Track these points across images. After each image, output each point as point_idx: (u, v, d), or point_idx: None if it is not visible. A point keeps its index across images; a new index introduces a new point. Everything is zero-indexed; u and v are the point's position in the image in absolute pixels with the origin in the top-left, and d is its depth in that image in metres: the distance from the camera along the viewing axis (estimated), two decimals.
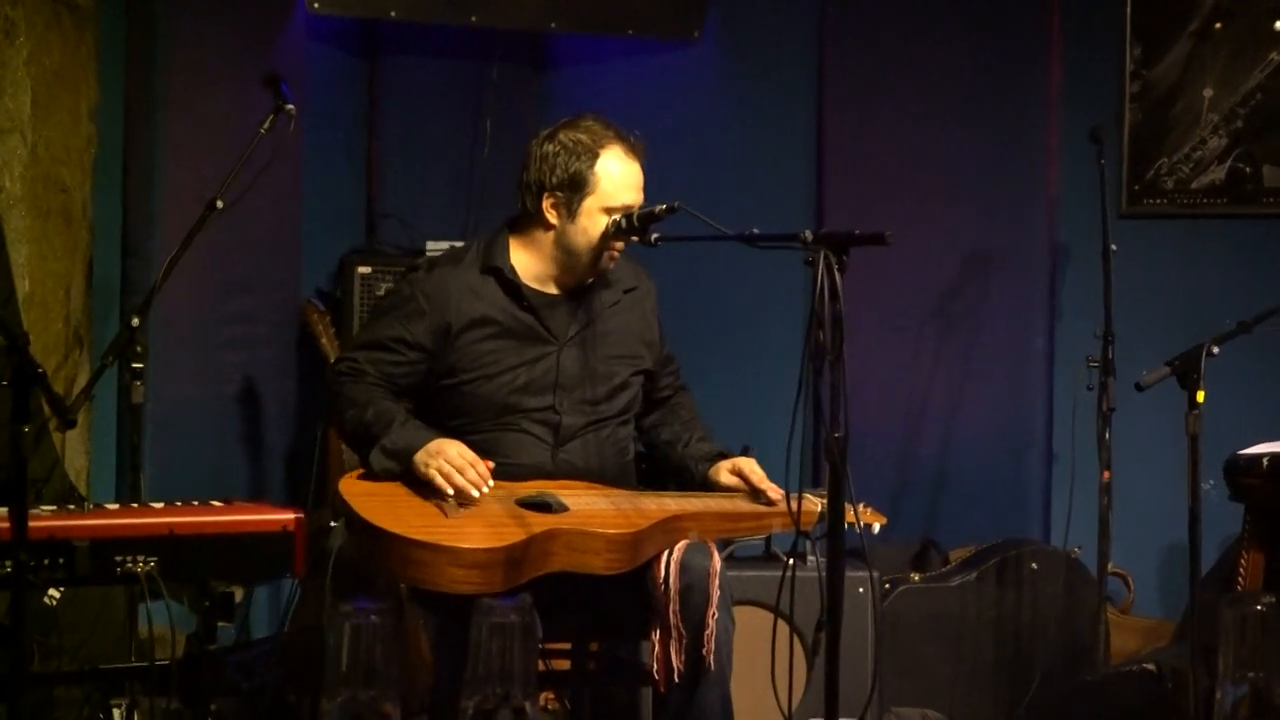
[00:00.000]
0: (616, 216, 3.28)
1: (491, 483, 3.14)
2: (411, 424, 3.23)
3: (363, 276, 4.74)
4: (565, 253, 3.35)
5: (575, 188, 3.30)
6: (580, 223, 3.31)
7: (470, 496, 3.10)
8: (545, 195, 3.32)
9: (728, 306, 5.22)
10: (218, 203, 3.80)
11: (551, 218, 3.33)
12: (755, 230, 3.01)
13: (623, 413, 3.44)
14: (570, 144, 3.30)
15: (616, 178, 3.31)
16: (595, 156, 3.30)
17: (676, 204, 3.16)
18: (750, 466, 3.42)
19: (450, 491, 3.10)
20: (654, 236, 3.21)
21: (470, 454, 3.16)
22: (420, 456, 3.15)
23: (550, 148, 3.32)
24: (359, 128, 5.14)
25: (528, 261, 3.38)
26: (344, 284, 4.76)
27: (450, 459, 3.13)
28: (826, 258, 2.74)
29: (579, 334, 3.39)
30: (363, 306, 4.71)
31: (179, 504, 3.19)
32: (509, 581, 2.99)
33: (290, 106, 3.87)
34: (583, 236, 3.32)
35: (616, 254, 3.36)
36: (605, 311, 3.44)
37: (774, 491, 3.35)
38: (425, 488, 3.14)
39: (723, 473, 3.43)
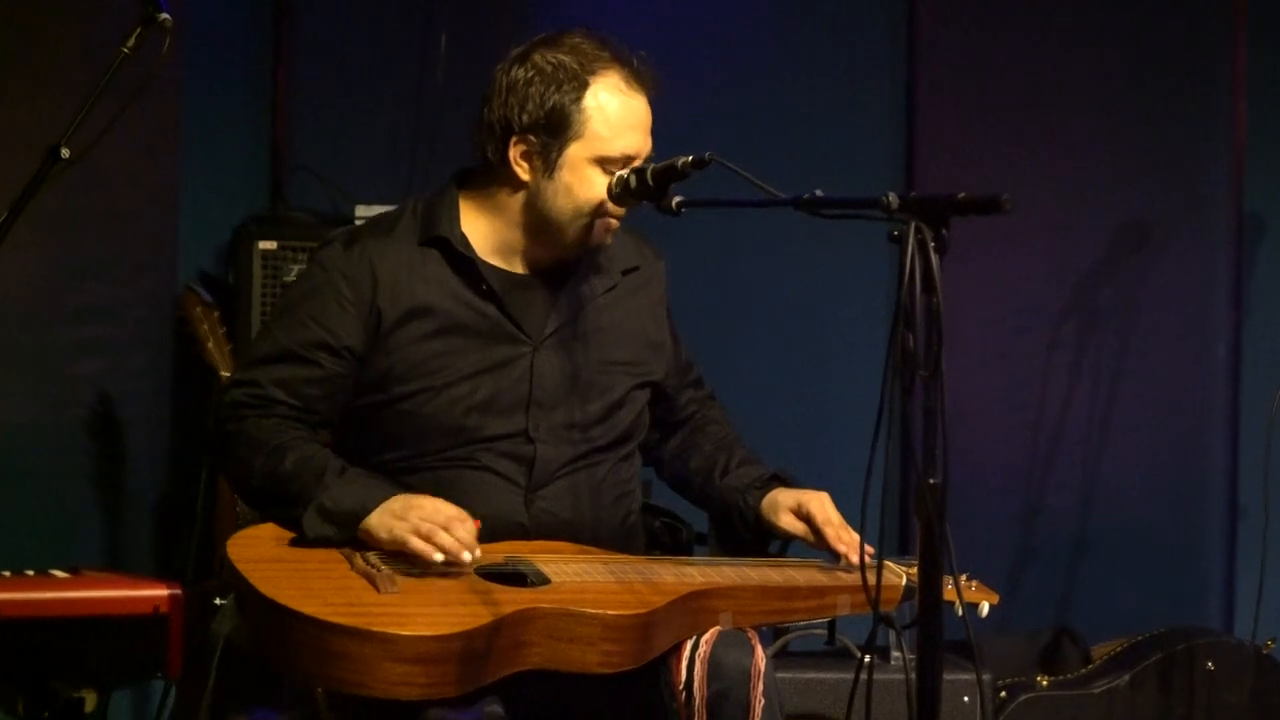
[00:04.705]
0: (621, 172, 3.28)
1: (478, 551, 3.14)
2: (352, 474, 3.23)
3: (265, 254, 4.75)
4: (540, 221, 3.35)
5: (554, 129, 3.30)
6: (561, 178, 3.32)
7: (462, 562, 3.10)
8: (513, 140, 3.33)
9: (781, 300, 5.23)
10: (63, 151, 3.80)
11: (521, 171, 3.34)
12: (819, 193, 3.01)
13: (621, 442, 3.45)
14: (548, 69, 3.31)
15: (613, 116, 3.31)
16: (583, 86, 3.30)
17: (708, 155, 3.15)
18: (821, 506, 3.40)
19: (438, 558, 3.09)
20: (676, 200, 3.20)
21: (450, 506, 3.16)
22: (381, 519, 3.15)
23: (521, 73, 3.32)
24: (262, 48, 5.15)
25: (486, 230, 3.38)
26: (239, 265, 4.79)
27: (428, 513, 3.13)
28: (919, 232, 2.75)
29: (560, 331, 3.40)
30: (265, 296, 4.72)
31: (8, 574, 3.20)
32: (467, 682, 3.00)
33: (165, 16, 3.87)
34: (564, 197, 3.32)
35: (614, 224, 3.36)
36: (596, 301, 3.44)
37: (852, 549, 3.34)
38: (351, 550, 3.15)
39: (783, 513, 3.43)
